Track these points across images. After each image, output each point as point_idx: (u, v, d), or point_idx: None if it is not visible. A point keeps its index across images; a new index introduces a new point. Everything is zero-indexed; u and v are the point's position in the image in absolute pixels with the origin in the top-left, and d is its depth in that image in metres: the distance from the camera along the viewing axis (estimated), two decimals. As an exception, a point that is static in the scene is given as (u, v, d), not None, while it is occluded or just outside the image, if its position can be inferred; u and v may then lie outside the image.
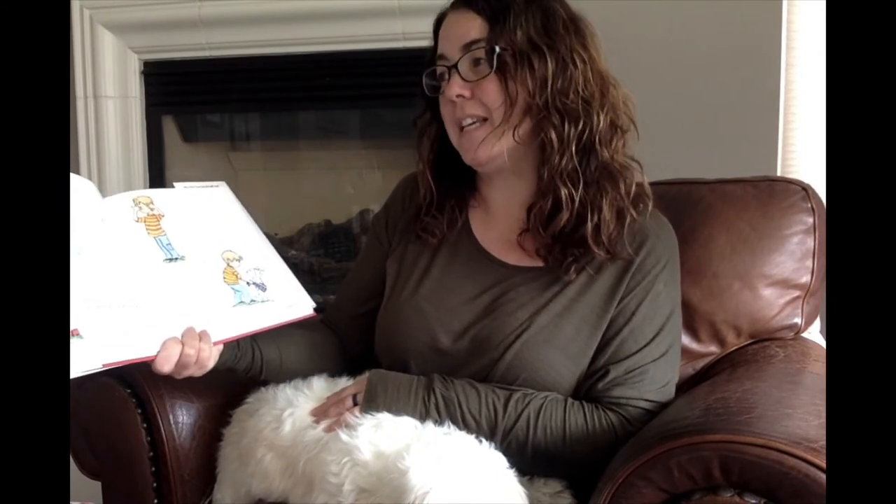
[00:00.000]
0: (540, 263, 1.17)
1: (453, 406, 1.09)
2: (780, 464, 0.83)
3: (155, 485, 1.28)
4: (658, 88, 1.74)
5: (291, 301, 1.21)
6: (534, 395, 1.10)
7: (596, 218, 1.12)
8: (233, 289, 1.17)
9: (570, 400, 1.11)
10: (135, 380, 1.28)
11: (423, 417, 1.08)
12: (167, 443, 1.27)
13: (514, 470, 1.01)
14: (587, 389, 1.13)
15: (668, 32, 1.77)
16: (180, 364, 1.08)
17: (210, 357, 1.10)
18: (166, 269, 1.14)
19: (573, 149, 1.12)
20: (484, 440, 1.05)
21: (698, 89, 1.75)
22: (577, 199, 1.12)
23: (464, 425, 1.08)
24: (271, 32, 2.14)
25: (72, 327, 1.00)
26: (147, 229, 1.17)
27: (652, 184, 1.27)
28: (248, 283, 1.18)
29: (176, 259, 1.16)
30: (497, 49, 1.10)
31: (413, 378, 1.13)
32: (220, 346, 1.12)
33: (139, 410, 1.27)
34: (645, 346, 1.13)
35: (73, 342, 1.00)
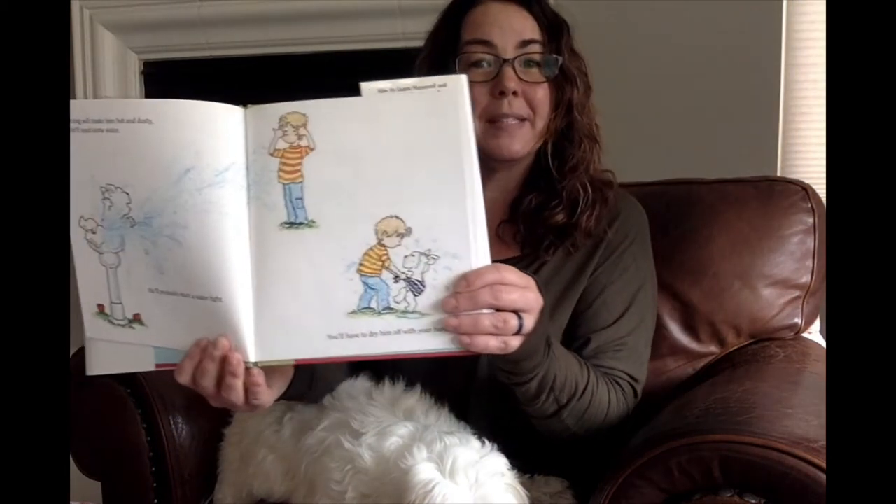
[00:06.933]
0: (516, 253, 1.20)
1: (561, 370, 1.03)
2: (780, 464, 0.83)
3: (155, 485, 1.28)
4: (659, 89, 1.75)
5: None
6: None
7: (588, 212, 1.18)
8: (365, 283, 0.82)
9: None
10: (135, 380, 1.28)
11: (548, 374, 1.01)
12: (167, 443, 1.27)
13: (514, 470, 1.01)
14: None
15: (668, 33, 1.77)
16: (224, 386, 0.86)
17: (264, 392, 0.88)
18: (278, 239, 0.82)
19: (585, 165, 1.18)
20: (556, 405, 1.04)
21: (698, 89, 1.75)
22: (579, 208, 1.17)
23: (559, 388, 1.03)
24: (271, 32, 2.14)
25: (134, 311, 0.86)
26: (280, 170, 0.82)
27: (652, 184, 1.27)
28: (396, 276, 0.82)
29: (300, 225, 0.82)
30: (560, 60, 1.14)
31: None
32: (290, 373, 0.93)
33: (139, 410, 1.27)
34: (619, 317, 1.16)
35: (135, 328, 0.85)
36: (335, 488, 1.00)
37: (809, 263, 1.31)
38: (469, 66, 1.14)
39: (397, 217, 0.81)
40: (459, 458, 0.95)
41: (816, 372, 1.15)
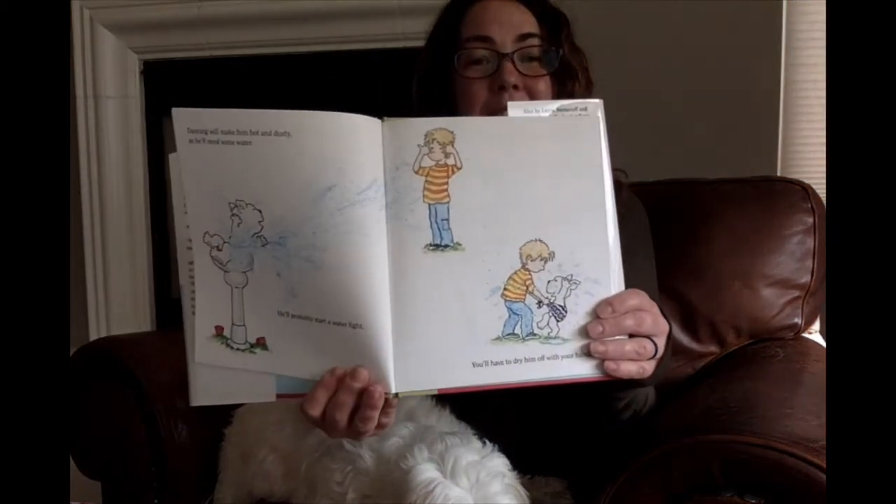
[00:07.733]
0: None
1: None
2: (780, 464, 0.83)
3: (155, 485, 1.28)
4: (658, 88, 1.75)
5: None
6: None
7: None
8: (509, 308, 0.80)
9: None
10: (135, 380, 1.28)
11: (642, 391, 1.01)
12: (167, 443, 1.27)
13: (515, 471, 1.01)
14: None
15: (667, 32, 1.77)
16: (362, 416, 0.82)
17: (394, 415, 0.86)
18: (421, 262, 0.79)
19: None
20: (632, 412, 1.03)
21: (698, 89, 1.75)
22: None
23: (642, 401, 1.04)
24: (271, 32, 2.14)
25: (257, 335, 0.80)
26: (425, 189, 0.79)
27: (652, 184, 1.27)
28: (540, 301, 0.80)
29: (445, 247, 0.79)
30: (561, 53, 1.14)
31: None
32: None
33: (139, 410, 1.27)
34: None
35: (256, 353, 0.80)
36: (336, 489, 1.00)
37: (809, 263, 1.31)
38: (469, 63, 1.14)
39: (541, 241, 0.80)
40: (460, 458, 0.95)
41: (816, 372, 1.15)
